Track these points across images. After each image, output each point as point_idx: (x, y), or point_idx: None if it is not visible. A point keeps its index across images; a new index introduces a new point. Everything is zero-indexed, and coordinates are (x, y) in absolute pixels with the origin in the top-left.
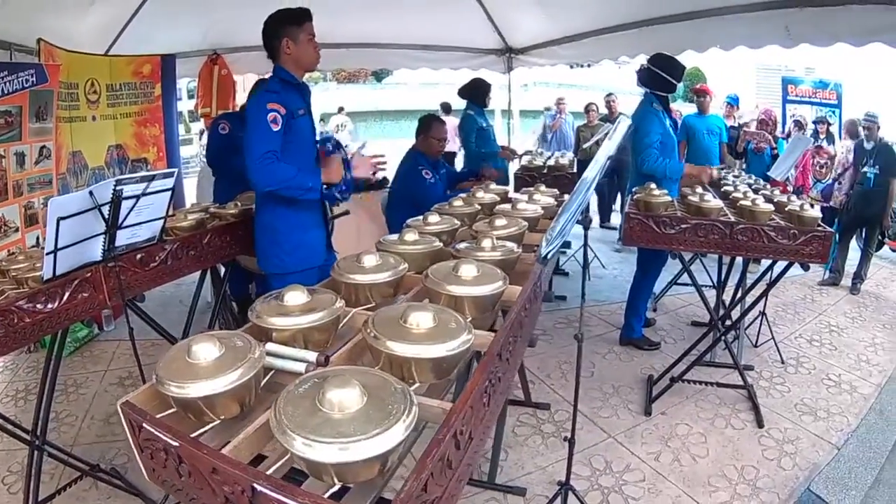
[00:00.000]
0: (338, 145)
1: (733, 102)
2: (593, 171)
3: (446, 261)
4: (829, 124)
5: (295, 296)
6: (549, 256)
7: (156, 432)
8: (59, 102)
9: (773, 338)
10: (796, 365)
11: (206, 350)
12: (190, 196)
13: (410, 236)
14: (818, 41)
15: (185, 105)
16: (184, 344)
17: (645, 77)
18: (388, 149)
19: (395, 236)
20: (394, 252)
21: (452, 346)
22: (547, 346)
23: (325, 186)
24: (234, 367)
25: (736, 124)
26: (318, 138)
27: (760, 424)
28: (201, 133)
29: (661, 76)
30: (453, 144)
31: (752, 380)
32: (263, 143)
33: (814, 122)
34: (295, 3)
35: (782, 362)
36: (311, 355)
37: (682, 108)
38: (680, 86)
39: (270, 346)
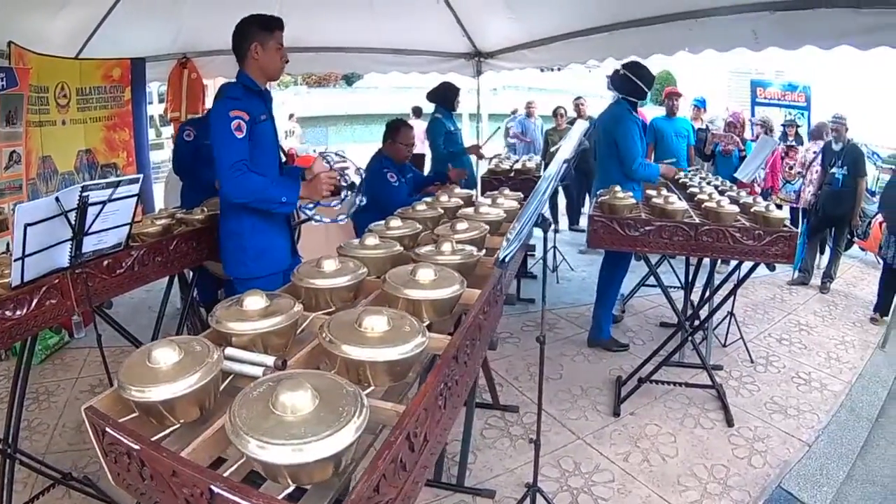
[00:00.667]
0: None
1: (700, 105)
2: (551, 174)
3: (406, 265)
4: (798, 126)
5: (254, 301)
6: (507, 259)
7: (118, 436)
8: (28, 106)
9: (741, 337)
10: (766, 364)
11: (165, 355)
12: (159, 201)
13: (371, 241)
14: (786, 44)
15: (155, 109)
16: (144, 349)
17: (618, 82)
18: (359, 153)
19: (356, 241)
20: (354, 257)
21: (406, 349)
22: (514, 348)
23: (304, 202)
24: (193, 370)
25: (703, 126)
26: (323, 151)
27: (730, 423)
28: (172, 137)
29: (634, 82)
30: (423, 147)
31: (721, 379)
32: (232, 153)
33: (782, 125)
34: (266, 8)
35: (752, 361)
36: (269, 359)
37: (652, 112)
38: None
39: (229, 351)
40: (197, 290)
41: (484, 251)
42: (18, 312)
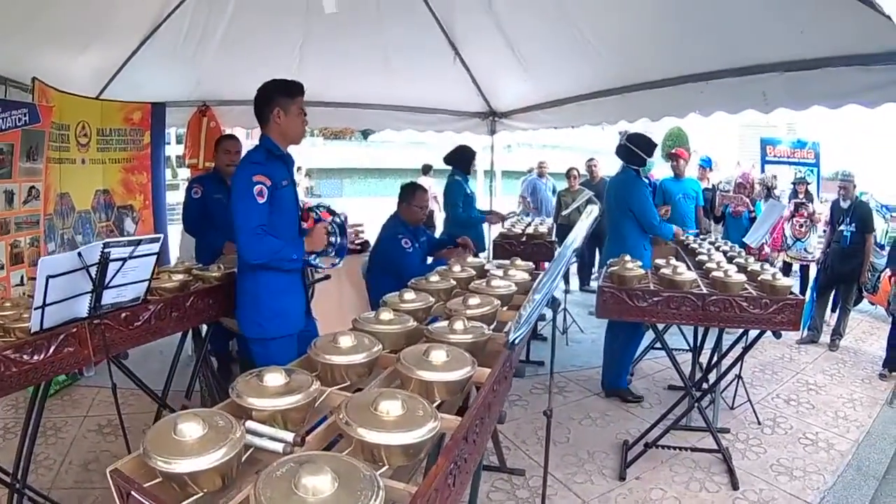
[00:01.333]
0: (323, 216)
1: (706, 165)
2: (560, 262)
3: (419, 343)
4: (808, 184)
5: (273, 377)
6: (516, 342)
7: (143, 501)
8: (49, 143)
9: (749, 400)
10: (773, 426)
11: (190, 428)
12: (175, 248)
13: (386, 315)
14: (794, 105)
15: (172, 150)
16: (170, 420)
17: (622, 152)
18: (373, 207)
19: (371, 314)
20: (369, 332)
21: (420, 433)
22: (522, 411)
23: (309, 255)
24: (218, 446)
25: (710, 186)
26: (311, 205)
27: (735, 487)
28: (188, 179)
29: (635, 152)
30: (432, 203)
31: (727, 442)
32: (253, 218)
33: (793, 183)
34: (286, 61)
35: (759, 423)
36: (288, 436)
37: (662, 170)
38: (657, 150)
39: (250, 425)
40: (209, 340)
41: (494, 324)
42: (36, 357)
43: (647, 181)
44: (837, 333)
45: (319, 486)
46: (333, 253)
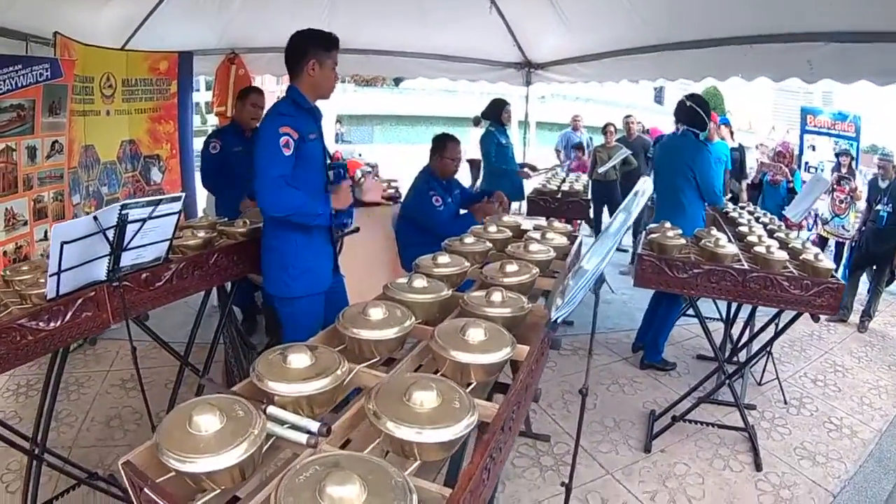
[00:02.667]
0: (343, 173)
1: (725, 123)
2: (610, 241)
3: (454, 315)
4: (853, 157)
5: (298, 358)
6: (558, 321)
7: (156, 499)
8: (73, 96)
9: (777, 377)
10: (799, 406)
11: (207, 422)
12: (202, 200)
13: (419, 283)
14: (840, 77)
15: (202, 96)
16: (184, 411)
17: (682, 114)
18: (403, 153)
19: (403, 280)
20: (401, 300)
21: (456, 430)
22: (551, 373)
23: (333, 213)
24: (237, 442)
25: (736, 146)
26: (334, 149)
27: (759, 468)
28: (217, 125)
29: (698, 114)
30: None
31: (753, 420)
32: (274, 167)
33: (837, 155)
34: (317, 8)
35: (785, 402)
36: (313, 424)
37: None
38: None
39: (272, 411)
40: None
41: (531, 303)
42: (53, 324)
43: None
44: (867, 315)
45: (347, 496)
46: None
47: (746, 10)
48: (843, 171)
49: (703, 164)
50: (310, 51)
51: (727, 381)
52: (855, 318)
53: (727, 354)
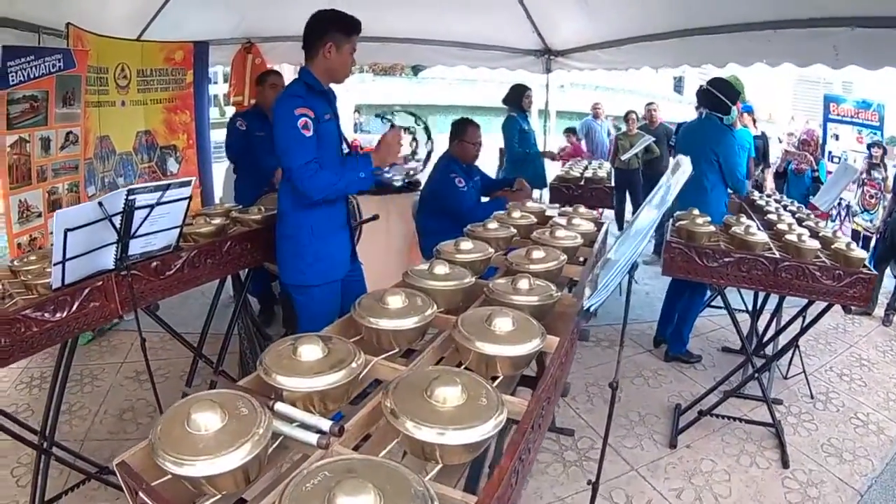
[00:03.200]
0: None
1: (748, 110)
2: (646, 223)
3: (479, 304)
4: (885, 148)
5: (309, 350)
6: (591, 309)
7: None
8: (87, 87)
9: (804, 371)
10: (825, 401)
11: (207, 420)
12: (218, 187)
13: (441, 269)
14: (866, 64)
15: (220, 88)
16: (183, 407)
17: (704, 99)
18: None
19: (424, 267)
20: (422, 288)
21: (484, 430)
22: (574, 365)
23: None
24: (239, 443)
25: (759, 133)
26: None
27: (786, 465)
28: None
29: (720, 98)
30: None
31: (780, 415)
32: (302, 153)
33: (868, 146)
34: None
35: (811, 397)
36: (325, 423)
37: None
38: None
39: (280, 408)
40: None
41: (560, 290)
42: (59, 315)
43: (734, 133)
44: (892, 308)
45: None
46: (413, 159)
47: None
48: (876, 160)
49: (728, 148)
50: (329, 32)
51: (756, 375)
52: (880, 311)
53: (753, 347)
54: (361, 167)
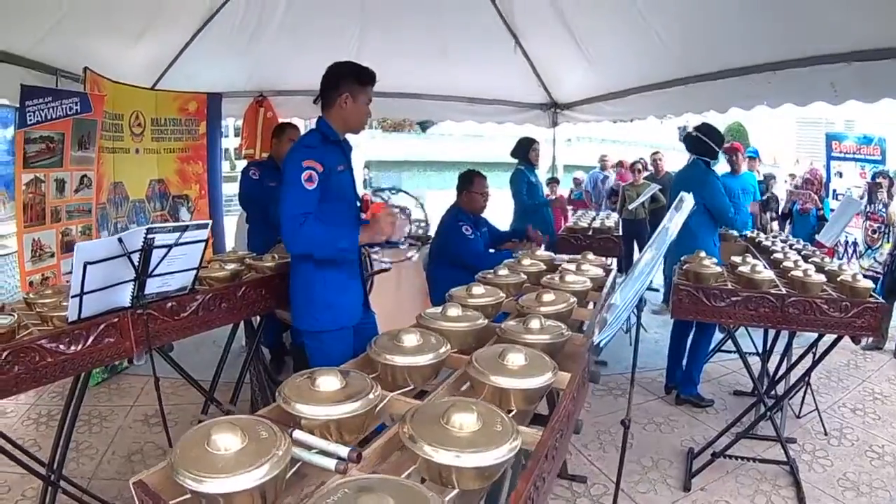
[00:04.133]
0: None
1: (754, 155)
2: (654, 256)
3: (491, 344)
4: (892, 179)
5: (327, 381)
6: (601, 345)
7: None
8: (102, 132)
9: (816, 408)
10: (839, 437)
11: (227, 440)
12: (230, 236)
13: (453, 311)
14: (864, 97)
15: (231, 142)
16: (203, 429)
17: (690, 144)
18: (431, 199)
19: (437, 310)
20: (435, 329)
21: (499, 453)
22: (586, 413)
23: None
24: (259, 462)
25: (761, 178)
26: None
27: (802, 501)
28: None
29: (706, 143)
30: None
31: (794, 453)
32: (297, 205)
33: (873, 176)
34: (343, 51)
35: (825, 434)
36: (343, 450)
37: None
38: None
39: (298, 435)
40: (262, 332)
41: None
42: (73, 348)
43: (717, 175)
44: None
45: None
46: (407, 244)
47: (767, 37)
48: (883, 194)
49: (710, 189)
50: (345, 83)
51: (768, 414)
52: (891, 345)
53: (765, 388)
54: (346, 239)
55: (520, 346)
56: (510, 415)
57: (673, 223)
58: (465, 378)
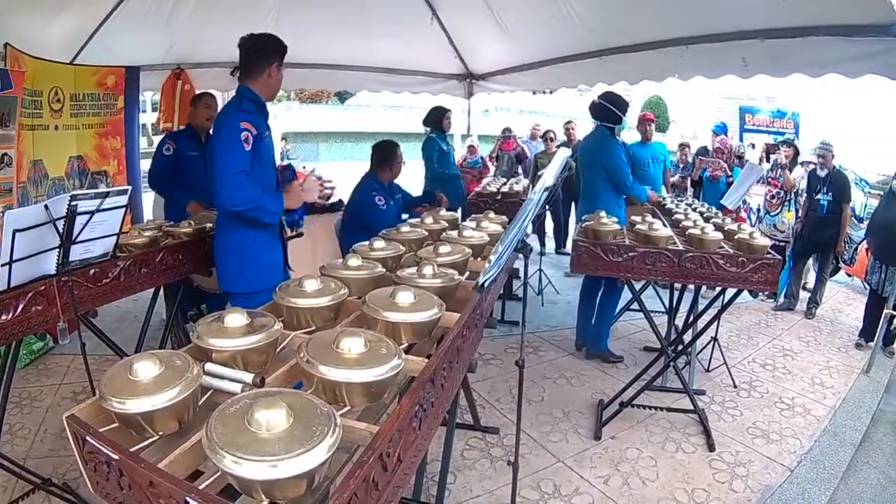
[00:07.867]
0: (293, 174)
1: (720, 131)
2: (532, 202)
3: (386, 287)
4: (792, 146)
5: (235, 318)
6: (486, 285)
7: (98, 445)
8: (22, 109)
9: (725, 363)
10: (749, 389)
11: (146, 368)
12: (148, 211)
13: (354, 262)
14: (775, 72)
15: (148, 118)
16: (127, 361)
17: (596, 111)
18: (349, 171)
19: (339, 261)
20: (337, 277)
21: (381, 371)
22: (497, 370)
23: (285, 212)
24: (173, 384)
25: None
26: (279, 163)
27: (711, 448)
28: None
29: (610, 109)
30: None
31: (703, 404)
32: (236, 163)
33: (775, 144)
34: (259, 23)
35: (735, 386)
36: (248, 376)
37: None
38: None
39: (209, 366)
40: (180, 304)
41: (466, 275)
42: (3, 317)
43: (619, 142)
44: (814, 301)
45: (273, 421)
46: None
47: (680, 13)
48: (782, 160)
49: (609, 155)
50: (274, 55)
51: (672, 363)
52: (802, 306)
53: (671, 340)
54: (274, 204)
55: (410, 288)
56: (404, 348)
57: (548, 171)
58: (362, 320)
